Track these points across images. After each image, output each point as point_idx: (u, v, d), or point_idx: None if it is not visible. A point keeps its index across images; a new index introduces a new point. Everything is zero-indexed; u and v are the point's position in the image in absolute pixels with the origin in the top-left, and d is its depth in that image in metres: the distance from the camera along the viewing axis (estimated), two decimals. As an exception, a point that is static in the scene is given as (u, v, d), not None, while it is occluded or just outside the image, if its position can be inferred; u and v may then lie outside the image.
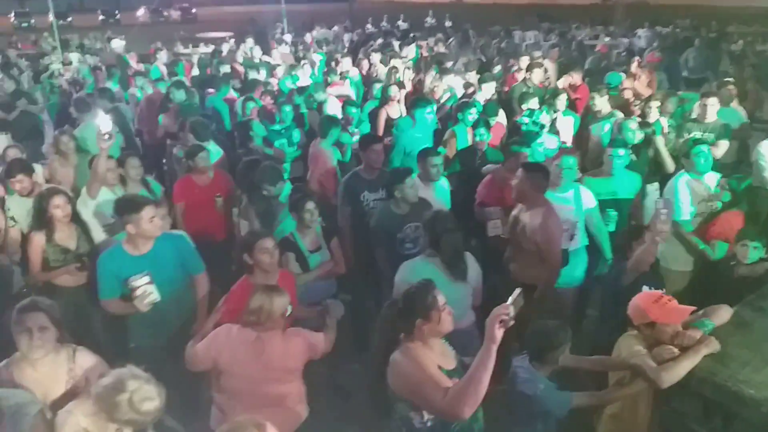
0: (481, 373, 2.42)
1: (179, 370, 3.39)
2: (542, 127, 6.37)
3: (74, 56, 15.00)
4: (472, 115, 6.40)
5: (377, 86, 8.39)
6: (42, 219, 4.26)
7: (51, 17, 19.96)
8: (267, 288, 3.25)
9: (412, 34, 18.11)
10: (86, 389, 2.75)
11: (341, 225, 5.11)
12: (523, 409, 3.13)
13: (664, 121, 6.40)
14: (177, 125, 6.89)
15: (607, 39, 16.92)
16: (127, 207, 3.79)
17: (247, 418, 2.23)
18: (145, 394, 2.47)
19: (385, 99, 7.67)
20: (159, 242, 3.88)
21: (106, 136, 4.48)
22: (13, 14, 38.91)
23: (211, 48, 15.96)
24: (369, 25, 21.49)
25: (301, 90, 8.65)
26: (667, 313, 3.11)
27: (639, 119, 6.20)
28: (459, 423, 2.69)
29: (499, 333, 2.38)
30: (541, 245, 4.16)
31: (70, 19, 33.13)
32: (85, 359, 3.02)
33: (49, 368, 2.92)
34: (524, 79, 8.68)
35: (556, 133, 6.56)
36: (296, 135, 6.87)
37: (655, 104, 6.45)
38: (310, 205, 4.28)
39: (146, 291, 3.66)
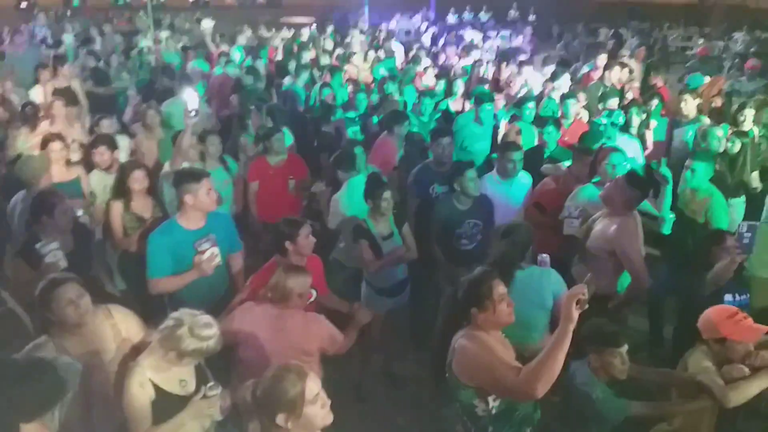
0: (557, 351, 2.39)
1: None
2: (619, 128, 6.10)
3: (164, 35, 15.56)
4: (530, 110, 6.23)
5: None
6: (121, 188, 4.53)
7: (145, -4, 20.71)
8: (288, 266, 3.27)
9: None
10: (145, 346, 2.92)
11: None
12: (578, 412, 3.08)
13: (757, 131, 6.05)
14: (239, 110, 6.97)
15: (701, 41, 16.03)
16: (187, 177, 3.84)
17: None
18: (203, 321, 2.74)
19: (448, 92, 7.60)
20: (211, 218, 3.92)
21: (192, 113, 4.67)
22: (110, -9, 40.78)
23: (291, 32, 16.18)
24: (450, 15, 21.23)
25: (393, 77, 8.61)
26: (741, 331, 2.99)
27: (732, 127, 5.87)
28: (522, 411, 2.68)
29: (576, 313, 2.37)
30: (620, 256, 3.93)
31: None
32: (121, 313, 3.14)
33: (93, 329, 2.98)
34: (601, 78, 8.40)
35: (641, 136, 6.27)
36: (369, 124, 6.89)
37: (749, 112, 6.09)
38: (388, 193, 4.29)
39: (213, 253, 3.73)
